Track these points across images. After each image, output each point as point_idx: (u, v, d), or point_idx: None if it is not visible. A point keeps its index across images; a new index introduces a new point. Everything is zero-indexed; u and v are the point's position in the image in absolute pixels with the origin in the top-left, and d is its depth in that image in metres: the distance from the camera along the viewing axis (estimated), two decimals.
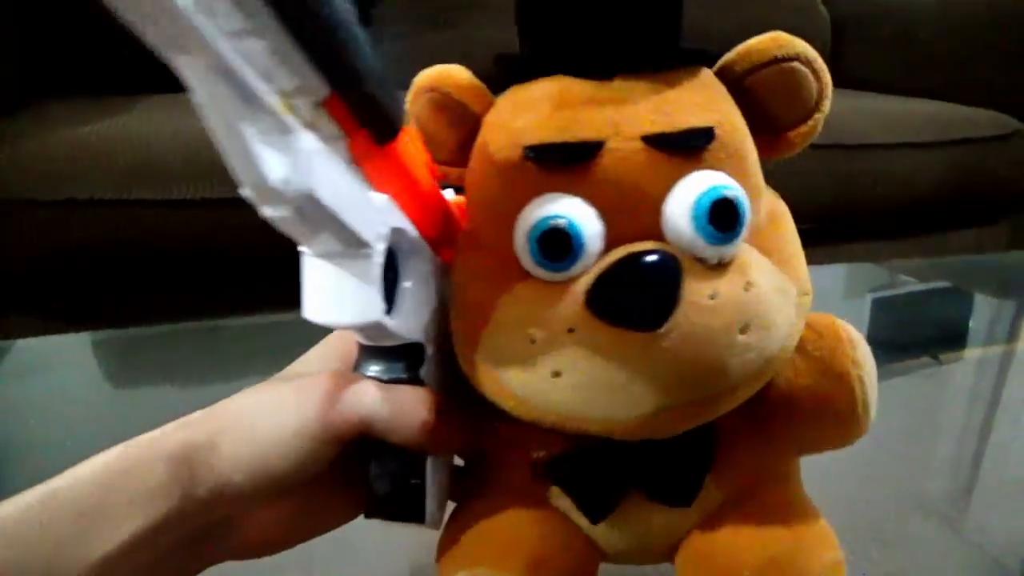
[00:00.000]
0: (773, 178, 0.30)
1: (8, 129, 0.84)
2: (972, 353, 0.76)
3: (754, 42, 0.28)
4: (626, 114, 0.26)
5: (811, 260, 0.29)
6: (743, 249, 0.27)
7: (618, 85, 0.27)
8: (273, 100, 0.20)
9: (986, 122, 1.34)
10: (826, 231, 1.18)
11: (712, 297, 0.25)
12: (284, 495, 0.28)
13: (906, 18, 1.57)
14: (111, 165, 0.82)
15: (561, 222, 0.25)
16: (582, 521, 0.31)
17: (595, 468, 0.30)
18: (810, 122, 0.29)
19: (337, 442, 0.28)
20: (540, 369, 0.26)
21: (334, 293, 0.26)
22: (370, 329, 0.28)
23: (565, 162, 0.26)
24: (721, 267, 0.26)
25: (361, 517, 0.32)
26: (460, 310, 0.29)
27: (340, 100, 0.23)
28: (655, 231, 0.26)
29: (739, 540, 0.29)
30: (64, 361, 0.75)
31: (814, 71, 0.28)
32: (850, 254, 1.23)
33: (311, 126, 0.22)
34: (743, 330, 0.25)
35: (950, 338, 0.77)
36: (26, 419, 0.59)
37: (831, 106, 0.29)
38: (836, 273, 1.04)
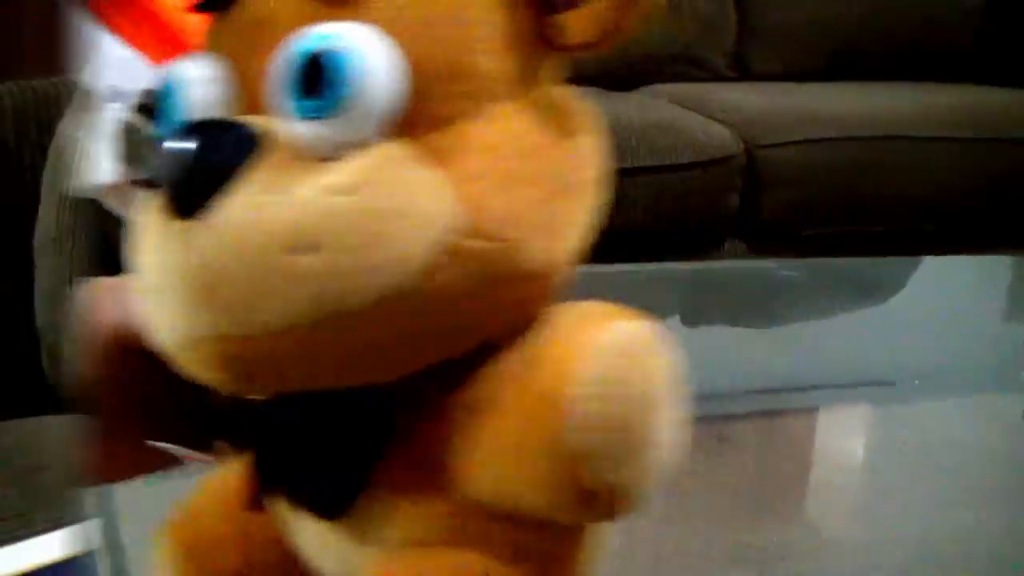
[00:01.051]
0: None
1: None
2: None
3: None
4: None
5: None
6: (387, 148, 0.19)
7: None
8: None
9: None
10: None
11: (266, 192, 0.18)
12: None
13: None
14: None
15: (162, 85, 0.21)
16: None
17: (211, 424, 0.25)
18: (585, 7, 0.20)
19: None
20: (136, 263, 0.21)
21: None
22: None
23: (207, 7, 0.21)
24: (330, 160, 0.19)
25: None
26: None
27: None
28: None
29: None
30: None
31: None
32: None
33: None
34: (297, 250, 0.18)
35: None
36: None
37: None
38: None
